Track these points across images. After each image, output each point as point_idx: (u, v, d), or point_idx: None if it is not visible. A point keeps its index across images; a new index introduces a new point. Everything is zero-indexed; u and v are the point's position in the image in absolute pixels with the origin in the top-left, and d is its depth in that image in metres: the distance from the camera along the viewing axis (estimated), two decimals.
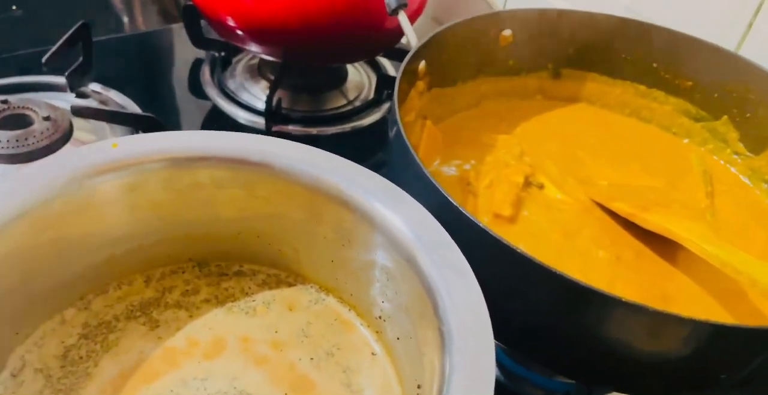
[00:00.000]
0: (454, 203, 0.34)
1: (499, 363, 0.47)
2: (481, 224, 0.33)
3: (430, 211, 0.34)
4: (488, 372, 0.27)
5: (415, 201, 0.34)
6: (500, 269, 0.34)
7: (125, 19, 0.90)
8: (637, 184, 0.51)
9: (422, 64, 0.47)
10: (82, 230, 0.34)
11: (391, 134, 0.42)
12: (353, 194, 0.35)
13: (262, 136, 0.36)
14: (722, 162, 0.54)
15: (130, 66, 0.74)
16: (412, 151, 0.37)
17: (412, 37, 0.47)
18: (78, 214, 0.34)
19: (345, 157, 0.36)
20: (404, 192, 0.34)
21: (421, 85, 0.48)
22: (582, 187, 0.47)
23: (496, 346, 0.29)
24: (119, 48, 0.76)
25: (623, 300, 0.30)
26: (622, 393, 0.43)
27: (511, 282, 0.34)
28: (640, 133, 0.56)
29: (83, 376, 0.34)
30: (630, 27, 0.53)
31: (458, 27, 0.49)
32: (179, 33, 0.77)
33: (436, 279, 0.31)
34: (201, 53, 0.74)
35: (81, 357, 0.35)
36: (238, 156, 0.35)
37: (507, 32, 0.52)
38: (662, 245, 0.44)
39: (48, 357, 0.34)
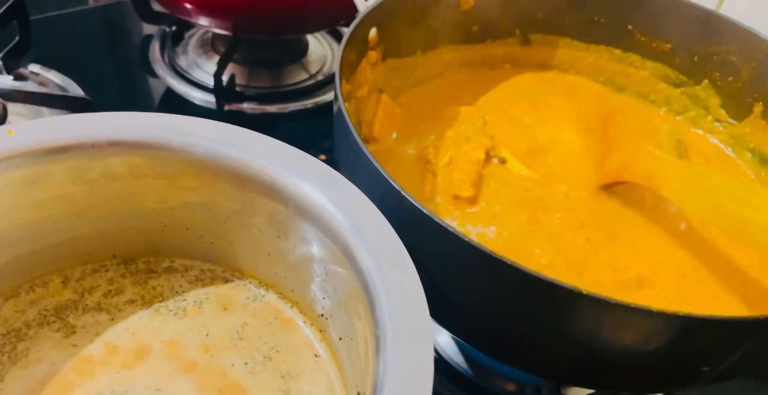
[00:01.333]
0: (398, 188, 0.30)
1: (467, 356, 0.44)
2: (427, 212, 0.29)
3: (375, 197, 0.30)
4: (425, 374, 0.24)
5: (354, 187, 0.30)
6: (454, 262, 0.30)
7: None
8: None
9: (373, 32, 0.43)
10: None
11: (335, 112, 0.38)
12: (286, 182, 0.31)
13: (181, 116, 0.32)
14: (701, 132, 0.50)
15: (75, 45, 0.69)
16: (353, 130, 0.33)
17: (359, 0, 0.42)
18: None
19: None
20: (341, 177, 0.31)
21: (373, 55, 0.44)
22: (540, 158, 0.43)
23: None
24: (64, 25, 0.71)
25: (585, 293, 0.27)
26: (598, 390, 0.39)
27: (467, 276, 0.30)
28: (612, 101, 0.52)
29: None
30: None
31: None
32: (130, 7, 0.72)
33: (373, 275, 0.27)
34: (152, 29, 0.70)
35: None
36: (155, 141, 0.31)
37: None
38: (635, 225, 0.40)
39: None
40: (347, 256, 0.29)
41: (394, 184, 0.30)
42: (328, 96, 0.65)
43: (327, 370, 0.33)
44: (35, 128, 0.31)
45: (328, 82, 0.66)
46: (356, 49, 0.42)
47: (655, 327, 0.28)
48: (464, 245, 0.28)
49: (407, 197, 0.30)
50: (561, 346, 0.31)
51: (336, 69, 0.36)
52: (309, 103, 0.64)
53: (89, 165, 0.31)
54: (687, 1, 0.48)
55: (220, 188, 0.32)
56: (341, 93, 0.35)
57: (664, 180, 0.39)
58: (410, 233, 0.29)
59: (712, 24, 0.47)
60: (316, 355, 0.34)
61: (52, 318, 0.33)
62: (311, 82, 0.66)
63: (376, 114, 0.45)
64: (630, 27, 0.50)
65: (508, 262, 0.27)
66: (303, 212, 0.30)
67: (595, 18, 0.50)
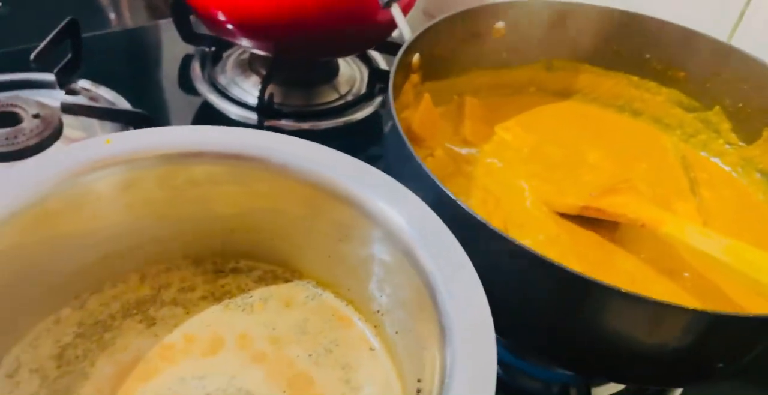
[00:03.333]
0: (452, 197, 0.34)
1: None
2: (479, 217, 0.33)
3: (427, 203, 0.33)
4: (490, 364, 0.27)
5: (414, 195, 0.34)
6: (497, 261, 0.34)
7: (112, 16, 0.90)
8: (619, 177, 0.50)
9: (416, 57, 0.47)
10: (76, 229, 0.34)
11: (386, 128, 0.42)
12: (352, 190, 0.34)
13: (259, 130, 0.36)
14: (704, 154, 0.54)
15: (118, 63, 0.73)
16: (409, 146, 0.37)
17: (405, 29, 0.46)
18: (72, 212, 0.33)
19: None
20: (403, 186, 0.34)
21: (415, 78, 0.48)
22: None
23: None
24: (107, 44, 0.75)
25: (623, 290, 0.30)
26: (619, 383, 0.43)
27: (509, 274, 0.34)
28: (625, 128, 0.56)
29: (80, 376, 0.33)
30: (622, 18, 0.54)
31: (452, 19, 0.48)
32: (167, 28, 0.76)
33: (434, 272, 0.31)
34: (190, 49, 0.74)
35: (77, 357, 0.34)
36: (234, 152, 0.35)
37: (500, 24, 0.52)
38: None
39: (43, 357, 0.34)
40: (409, 257, 0.32)
41: (449, 193, 0.34)
42: (358, 115, 0.69)
43: (382, 362, 0.36)
44: (129, 139, 0.34)
45: (357, 102, 0.70)
46: (402, 73, 0.46)
47: (683, 324, 0.32)
48: (512, 247, 0.32)
49: (462, 205, 0.34)
50: (595, 341, 0.35)
51: (389, 92, 0.40)
52: (340, 121, 0.68)
53: (175, 173, 0.35)
54: (700, 33, 0.52)
55: (289, 194, 0.36)
56: (395, 111, 0.39)
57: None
58: (458, 236, 0.32)
59: (724, 54, 0.51)
60: (371, 348, 0.37)
61: (134, 311, 0.37)
62: (341, 102, 0.70)
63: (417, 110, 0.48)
64: (647, 56, 0.54)
65: (555, 263, 0.31)
66: (367, 216, 0.34)
67: (615, 47, 0.55)
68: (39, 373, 0.33)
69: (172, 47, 0.76)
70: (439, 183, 0.34)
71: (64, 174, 0.32)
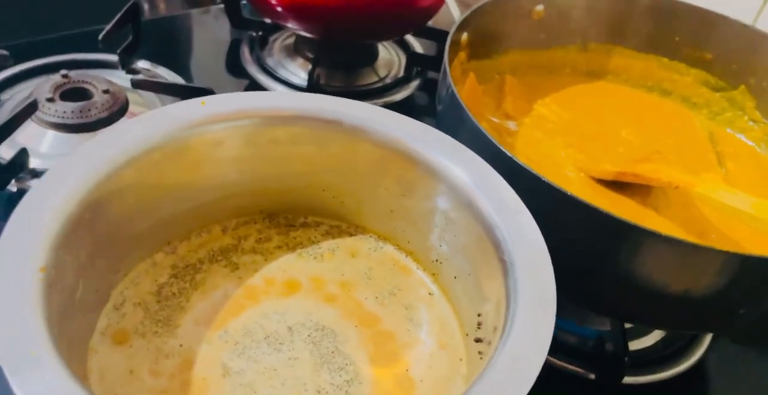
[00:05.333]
0: (508, 153, 0.38)
1: None
2: (533, 171, 0.37)
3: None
4: (550, 288, 0.31)
5: (473, 152, 0.38)
6: (547, 211, 0.37)
7: (146, 5, 0.94)
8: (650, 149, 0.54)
9: (464, 36, 0.51)
10: (174, 180, 0.38)
11: (440, 106, 0.46)
12: (417, 148, 0.38)
13: (334, 97, 0.40)
14: (729, 130, 0.58)
15: (168, 47, 0.78)
16: (467, 110, 0.41)
17: (455, 9, 0.50)
18: (171, 164, 0.37)
19: None
20: (462, 145, 0.38)
21: (462, 56, 0.52)
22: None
23: None
24: (160, 28, 0.79)
25: (663, 234, 0.34)
26: (650, 326, 0.47)
27: (559, 223, 0.38)
28: (655, 107, 0.60)
29: (177, 309, 0.38)
30: (654, 3, 0.57)
31: (497, 1, 0.52)
32: (200, 18, 0.82)
33: (495, 219, 0.35)
34: (227, 36, 0.78)
35: (174, 294, 0.39)
36: (313, 115, 0.39)
37: (539, 7, 0.56)
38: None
39: (144, 293, 0.38)
40: (471, 207, 0.36)
41: (504, 150, 0.38)
42: (396, 97, 0.73)
43: (440, 304, 0.40)
44: (221, 101, 0.39)
45: (395, 85, 0.75)
46: (452, 49, 0.50)
47: (719, 266, 0.36)
48: (562, 196, 0.36)
49: (516, 160, 0.38)
50: (632, 286, 0.39)
51: (445, 59, 0.44)
52: (379, 102, 0.72)
53: (260, 132, 0.39)
54: (727, 17, 0.56)
55: (360, 154, 0.40)
56: (452, 79, 0.43)
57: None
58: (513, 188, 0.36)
59: (749, 37, 0.55)
60: (429, 293, 0.41)
61: (219, 257, 0.41)
62: (380, 84, 0.74)
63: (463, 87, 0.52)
64: (677, 39, 0.58)
65: (596, 208, 0.35)
66: (431, 172, 0.38)
67: (646, 30, 0.58)
68: (142, 306, 0.38)
69: (210, 34, 0.81)
70: (495, 142, 0.39)
71: (167, 129, 0.36)
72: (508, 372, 0.28)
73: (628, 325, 0.49)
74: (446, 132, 0.43)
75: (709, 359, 0.51)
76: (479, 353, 0.35)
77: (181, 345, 0.36)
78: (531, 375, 0.27)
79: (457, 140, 0.40)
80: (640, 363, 0.49)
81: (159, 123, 0.37)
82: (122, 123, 0.35)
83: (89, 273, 0.34)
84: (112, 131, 0.35)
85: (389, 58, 0.78)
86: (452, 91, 0.42)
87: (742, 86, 0.57)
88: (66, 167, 0.33)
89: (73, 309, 0.33)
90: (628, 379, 0.47)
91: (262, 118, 0.39)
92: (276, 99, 0.39)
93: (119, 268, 0.38)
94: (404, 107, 0.73)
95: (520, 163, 0.38)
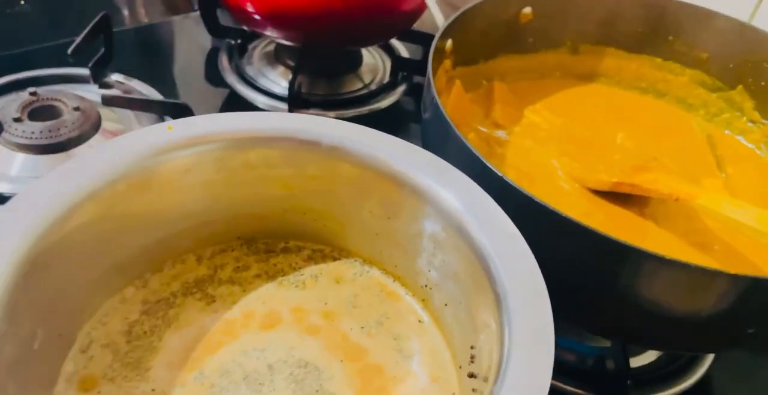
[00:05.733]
0: (497, 172, 0.36)
1: None
2: (523, 190, 0.35)
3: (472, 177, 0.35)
4: (547, 325, 0.29)
5: (459, 171, 0.36)
6: (541, 233, 0.35)
7: (125, 12, 0.91)
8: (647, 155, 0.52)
9: (449, 43, 0.49)
10: (141, 211, 0.36)
11: (426, 114, 0.43)
12: (401, 169, 0.36)
13: (311, 116, 0.38)
14: (728, 132, 0.55)
15: (146, 57, 0.75)
16: (452, 125, 0.38)
17: (438, 15, 0.48)
18: (138, 195, 0.35)
19: None
20: (448, 164, 0.36)
21: (447, 63, 0.50)
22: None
23: None
24: (134, 39, 0.77)
25: (666, 257, 0.32)
26: (653, 349, 0.44)
27: (553, 246, 0.36)
28: (649, 109, 0.58)
29: (149, 350, 0.35)
30: (645, 1, 0.55)
31: (482, 5, 0.50)
32: (180, 24, 0.79)
33: (486, 244, 0.32)
34: (207, 44, 0.76)
35: (145, 332, 0.36)
36: (288, 135, 0.37)
37: (527, 10, 0.53)
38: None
39: (113, 332, 0.36)
40: (460, 231, 0.34)
41: (495, 170, 0.36)
42: (382, 104, 0.71)
43: (431, 332, 0.38)
44: (188, 125, 0.36)
45: (381, 91, 0.72)
46: (436, 57, 0.47)
47: (724, 288, 0.33)
48: (557, 218, 0.34)
49: (505, 178, 0.35)
50: (633, 309, 0.37)
51: (429, 70, 0.42)
52: (364, 110, 0.70)
53: (232, 156, 0.37)
54: (722, 14, 0.53)
55: (340, 176, 0.38)
56: (435, 91, 0.40)
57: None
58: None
59: (746, 35, 0.53)
60: (419, 321, 0.39)
61: (194, 289, 0.39)
62: (365, 91, 0.72)
63: (449, 96, 0.50)
64: (670, 38, 0.56)
65: (596, 231, 0.33)
66: (418, 194, 0.36)
67: (639, 30, 0.56)
68: (110, 348, 0.35)
69: (189, 42, 0.78)
70: (483, 159, 0.36)
71: (132, 158, 0.34)
72: None
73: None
74: (432, 145, 0.40)
75: (714, 373, 0.49)
76: (473, 390, 0.32)
77: (153, 390, 0.34)
78: None
79: (443, 154, 0.37)
80: (642, 381, 0.47)
81: (122, 152, 0.34)
82: (81, 156, 0.32)
83: (50, 319, 0.31)
84: (71, 165, 0.33)
85: (374, 63, 0.76)
86: (436, 103, 0.40)
87: (740, 86, 0.54)
88: (19, 206, 0.30)
89: (33, 358, 0.30)
90: None
91: (232, 141, 0.36)
92: (247, 120, 0.37)
93: (85, 307, 0.36)
94: (391, 114, 0.70)
95: (510, 182, 0.35)
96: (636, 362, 0.48)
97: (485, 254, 0.32)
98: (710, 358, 0.49)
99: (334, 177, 0.38)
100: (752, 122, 0.54)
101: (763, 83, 0.53)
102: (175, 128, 0.36)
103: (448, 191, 0.35)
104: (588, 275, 0.36)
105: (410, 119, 0.71)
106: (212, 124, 0.36)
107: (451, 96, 0.50)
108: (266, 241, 0.42)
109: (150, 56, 0.75)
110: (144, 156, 0.34)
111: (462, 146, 0.38)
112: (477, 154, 0.37)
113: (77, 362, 0.34)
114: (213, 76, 0.72)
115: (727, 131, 0.56)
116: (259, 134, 0.37)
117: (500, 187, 0.36)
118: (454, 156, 0.38)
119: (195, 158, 0.36)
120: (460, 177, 0.35)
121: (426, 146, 0.42)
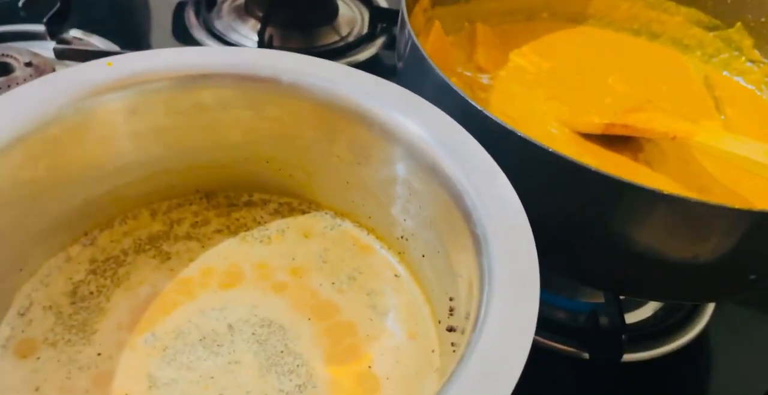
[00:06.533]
0: (478, 107, 0.32)
1: None
2: (508, 126, 0.31)
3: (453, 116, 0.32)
4: (531, 268, 0.25)
5: (434, 107, 0.32)
6: (527, 172, 0.32)
7: None
8: (641, 98, 0.49)
9: None
10: (81, 159, 0.32)
11: (400, 62, 0.40)
12: (370, 107, 0.32)
13: (269, 50, 0.34)
14: (726, 74, 0.52)
15: (108, 12, 0.71)
16: (431, 61, 0.35)
17: None
18: (75, 140, 0.31)
19: None
20: (422, 99, 0.32)
21: (425, 2, 0.46)
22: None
23: None
24: None
25: (662, 192, 0.29)
26: (651, 299, 0.41)
27: (540, 186, 0.32)
28: (643, 52, 0.54)
29: (96, 311, 0.32)
30: None
31: None
32: None
33: (464, 184, 0.29)
34: None
35: (91, 293, 0.33)
36: (244, 72, 0.33)
37: None
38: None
39: (56, 294, 0.32)
40: (435, 171, 0.30)
41: (474, 104, 0.32)
42: (360, 56, 0.67)
43: (408, 287, 0.35)
44: (132, 61, 0.32)
45: (359, 43, 0.68)
46: None
47: (728, 226, 0.30)
48: (545, 155, 0.30)
49: (489, 115, 0.32)
50: (630, 255, 0.33)
51: (403, 5, 0.38)
52: (341, 63, 0.65)
53: (182, 97, 0.33)
54: None
55: (303, 117, 0.34)
56: (411, 27, 0.37)
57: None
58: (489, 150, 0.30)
59: None
60: (396, 275, 0.35)
61: (147, 246, 0.35)
62: (342, 43, 0.68)
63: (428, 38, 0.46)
64: None
65: (590, 167, 0.29)
66: (388, 134, 0.32)
67: None
68: (53, 310, 0.32)
69: None
70: (463, 94, 0.33)
71: (65, 98, 0.30)
72: (482, 375, 0.22)
73: (623, 296, 0.43)
74: (407, 86, 0.36)
75: (711, 329, 0.46)
76: (452, 344, 0.29)
77: (99, 354, 0.30)
78: (510, 376, 0.22)
79: (421, 97, 0.34)
80: (637, 338, 0.44)
81: (54, 91, 0.30)
82: (5, 95, 0.28)
83: None
84: None
85: (351, 14, 0.72)
86: (413, 42, 0.36)
87: (738, 23, 0.51)
88: None
89: None
90: (624, 356, 0.41)
91: (182, 79, 0.32)
92: (197, 55, 0.33)
93: (24, 266, 0.32)
94: (369, 67, 0.65)
95: (494, 117, 0.32)
96: (630, 318, 0.45)
97: (461, 193, 0.29)
98: (707, 314, 0.46)
99: (296, 119, 0.34)
100: (752, 61, 0.51)
101: (763, 19, 0.49)
102: (115, 65, 0.32)
103: (419, 127, 0.31)
104: (577, 218, 0.33)
105: (390, 73, 0.66)
106: (157, 59, 0.32)
107: (429, 39, 0.47)
108: (228, 194, 0.38)
109: (111, 12, 0.70)
110: (80, 96, 0.31)
111: (441, 83, 0.34)
112: (456, 89, 0.33)
113: (14, 326, 0.31)
114: (180, 32, 0.68)
115: (725, 73, 0.52)
116: (211, 71, 0.33)
117: (483, 125, 0.32)
118: (434, 98, 0.34)
119: (140, 98, 0.32)
120: (433, 111, 0.32)
121: (402, 80, 0.39)
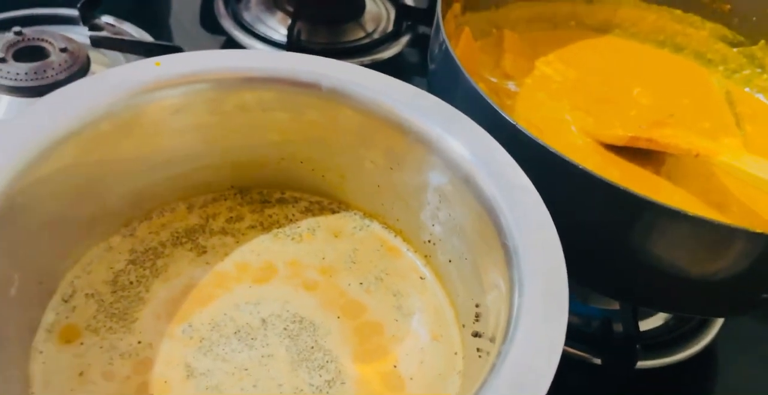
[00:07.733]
0: (509, 118, 0.33)
1: None
2: (539, 140, 0.32)
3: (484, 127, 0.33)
4: (561, 284, 0.27)
5: (471, 120, 0.33)
6: (553, 185, 0.33)
7: None
8: (664, 112, 0.50)
9: None
10: (127, 154, 0.33)
11: (432, 65, 0.41)
12: (406, 115, 0.34)
13: (310, 56, 0.35)
14: (747, 90, 0.53)
15: (136, 0, 0.72)
16: (463, 69, 0.36)
17: None
18: (124, 136, 0.32)
19: None
20: (458, 111, 0.34)
21: (457, 7, 0.47)
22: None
23: None
24: None
25: (684, 212, 0.30)
26: (664, 312, 0.43)
27: (565, 198, 0.33)
28: (666, 64, 0.55)
29: (135, 300, 0.33)
30: None
31: None
32: None
33: (497, 197, 0.30)
34: None
35: (131, 282, 0.34)
36: (285, 77, 0.34)
37: None
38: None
39: (98, 282, 0.34)
40: (470, 183, 0.32)
41: (507, 117, 0.33)
42: (385, 54, 0.68)
43: (433, 290, 0.36)
44: (179, 61, 0.33)
45: (384, 41, 0.69)
46: (444, 1, 0.44)
47: (744, 247, 0.31)
48: (572, 169, 0.32)
49: (521, 129, 0.33)
50: (648, 269, 0.35)
51: (438, 12, 0.39)
52: (366, 59, 0.66)
53: (225, 98, 0.34)
54: None
55: (341, 122, 0.35)
56: (445, 34, 0.38)
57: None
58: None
59: None
60: (421, 277, 0.37)
61: (184, 239, 0.37)
62: (367, 40, 0.68)
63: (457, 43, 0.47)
64: None
65: (614, 183, 0.31)
66: (423, 144, 0.33)
67: None
68: (95, 298, 0.33)
69: None
70: (494, 105, 0.34)
71: (116, 96, 0.31)
72: (513, 385, 0.24)
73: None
74: (439, 93, 0.37)
75: (723, 338, 0.47)
76: (478, 349, 0.31)
77: (139, 342, 0.32)
78: (540, 389, 0.23)
79: (451, 102, 0.35)
80: (649, 346, 0.45)
81: (105, 89, 0.31)
82: (60, 91, 0.29)
83: (27, 264, 0.29)
84: (48, 101, 0.30)
85: (377, 11, 0.72)
86: (446, 47, 0.37)
87: (762, 41, 0.52)
88: None
89: (9, 305, 0.28)
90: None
91: (226, 81, 0.34)
92: (243, 59, 0.34)
93: (68, 254, 0.33)
94: (393, 65, 0.67)
95: (524, 130, 0.33)
96: (643, 326, 0.46)
97: (494, 206, 0.30)
98: (716, 326, 0.48)
99: (333, 123, 0.35)
100: None
101: None
102: (163, 65, 0.33)
103: (455, 140, 0.32)
104: (601, 232, 0.34)
105: (414, 71, 0.68)
106: (204, 61, 0.34)
107: (459, 44, 0.48)
108: (261, 191, 0.40)
109: (143, 3, 0.71)
110: (130, 94, 0.32)
111: (472, 92, 0.35)
112: (488, 99, 0.34)
113: (59, 312, 0.32)
114: (209, 22, 0.69)
115: (746, 89, 0.53)
116: (255, 74, 0.34)
117: (511, 135, 0.33)
118: (463, 105, 0.35)
119: (185, 97, 0.33)
120: (469, 124, 0.33)
121: (433, 89, 0.40)
